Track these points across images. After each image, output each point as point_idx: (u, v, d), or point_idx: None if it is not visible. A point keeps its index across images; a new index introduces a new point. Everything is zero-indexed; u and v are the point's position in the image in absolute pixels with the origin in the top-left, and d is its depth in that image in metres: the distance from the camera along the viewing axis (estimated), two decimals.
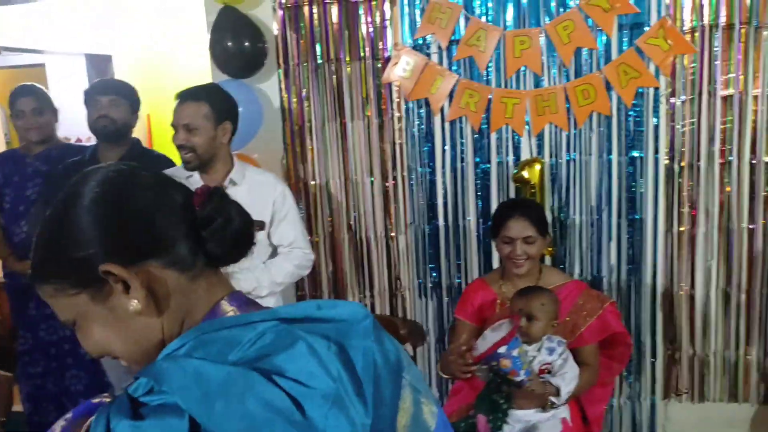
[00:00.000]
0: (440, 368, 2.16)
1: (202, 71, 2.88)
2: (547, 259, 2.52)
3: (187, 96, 2.07)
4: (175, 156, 2.27)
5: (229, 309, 0.81)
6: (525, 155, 2.50)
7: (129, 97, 2.52)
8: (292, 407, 0.66)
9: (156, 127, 4.22)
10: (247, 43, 2.45)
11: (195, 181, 2.16)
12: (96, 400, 0.74)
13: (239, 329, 0.72)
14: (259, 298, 2.21)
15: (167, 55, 4.13)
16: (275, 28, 2.56)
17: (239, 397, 0.65)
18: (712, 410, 2.56)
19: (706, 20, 2.30)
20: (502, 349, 1.86)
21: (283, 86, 2.61)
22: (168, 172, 2.24)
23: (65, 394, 2.67)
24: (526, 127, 2.48)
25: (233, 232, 0.81)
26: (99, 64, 4.31)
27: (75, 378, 2.66)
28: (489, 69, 2.46)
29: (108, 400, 0.72)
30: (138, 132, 4.05)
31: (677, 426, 2.59)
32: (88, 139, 3.30)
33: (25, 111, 2.61)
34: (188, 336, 0.73)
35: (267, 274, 2.16)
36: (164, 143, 3.34)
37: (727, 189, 2.39)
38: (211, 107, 2.07)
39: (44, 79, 4.12)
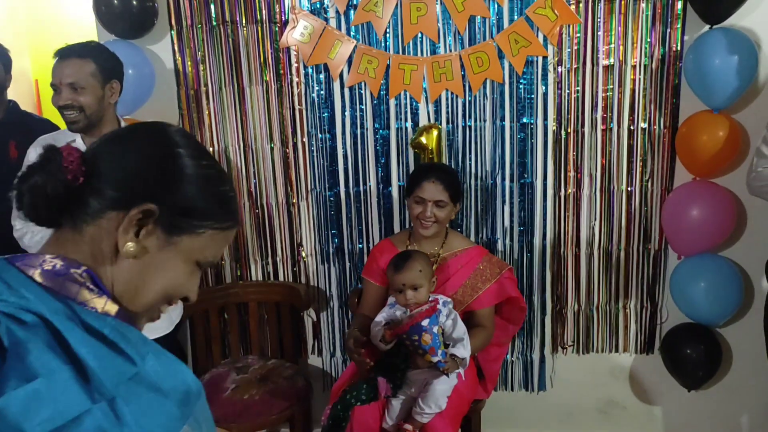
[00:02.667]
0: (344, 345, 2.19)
1: (92, 33, 2.72)
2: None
3: (70, 53, 1.96)
4: (61, 122, 2.14)
5: None
6: (423, 121, 2.55)
7: None
8: None
9: (45, 94, 3.97)
10: (134, 2, 2.34)
11: (78, 146, 2.05)
12: None
13: None
14: None
15: (55, 17, 3.88)
16: None
17: None
18: (595, 361, 2.76)
19: None
20: (425, 322, 1.92)
21: (176, 48, 2.52)
22: (50, 136, 2.13)
23: None
24: (424, 93, 2.52)
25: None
26: None
27: None
28: (387, 35, 2.48)
29: None
30: (26, 98, 3.81)
31: (565, 377, 2.77)
32: None
33: None
34: None
35: None
36: (56, 110, 3.16)
37: (609, 154, 2.55)
38: (98, 65, 1.97)
39: None
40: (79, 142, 2.05)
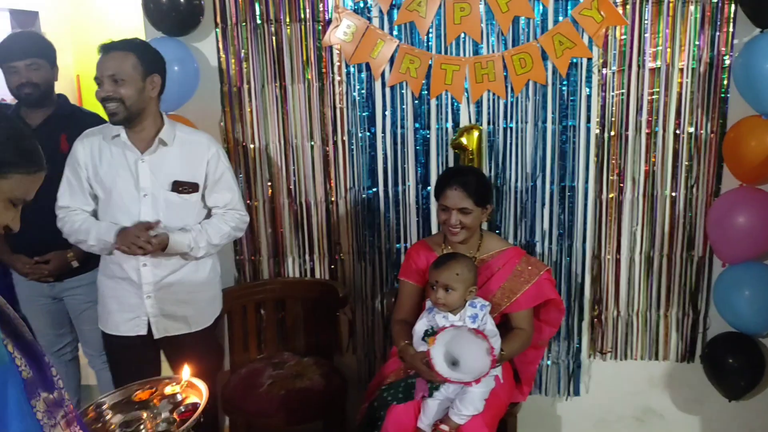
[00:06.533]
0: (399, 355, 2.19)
1: (135, 29, 2.77)
2: (483, 224, 2.58)
3: (111, 47, 2.02)
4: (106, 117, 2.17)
5: None
6: (464, 122, 2.54)
7: (46, 55, 2.40)
8: None
9: (86, 89, 4.05)
10: (182, 0, 2.37)
11: (121, 141, 2.09)
12: None
13: None
14: (196, 260, 2.18)
15: (98, 12, 3.95)
16: None
17: None
18: (634, 368, 2.71)
19: None
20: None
21: (220, 46, 2.54)
22: (95, 129, 2.17)
23: None
24: (465, 93, 2.51)
25: None
26: (25, 20, 4.07)
27: None
28: (429, 35, 2.47)
29: None
30: (68, 93, 3.89)
31: (601, 383, 2.73)
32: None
33: None
34: None
35: (204, 234, 2.14)
36: (96, 104, 3.21)
37: (653, 158, 2.51)
38: (138, 58, 2.02)
39: None
40: (123, 136, 2.09)
